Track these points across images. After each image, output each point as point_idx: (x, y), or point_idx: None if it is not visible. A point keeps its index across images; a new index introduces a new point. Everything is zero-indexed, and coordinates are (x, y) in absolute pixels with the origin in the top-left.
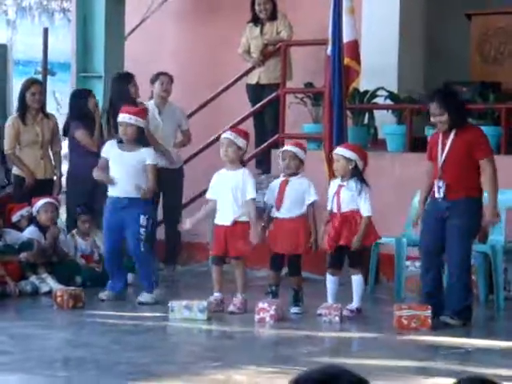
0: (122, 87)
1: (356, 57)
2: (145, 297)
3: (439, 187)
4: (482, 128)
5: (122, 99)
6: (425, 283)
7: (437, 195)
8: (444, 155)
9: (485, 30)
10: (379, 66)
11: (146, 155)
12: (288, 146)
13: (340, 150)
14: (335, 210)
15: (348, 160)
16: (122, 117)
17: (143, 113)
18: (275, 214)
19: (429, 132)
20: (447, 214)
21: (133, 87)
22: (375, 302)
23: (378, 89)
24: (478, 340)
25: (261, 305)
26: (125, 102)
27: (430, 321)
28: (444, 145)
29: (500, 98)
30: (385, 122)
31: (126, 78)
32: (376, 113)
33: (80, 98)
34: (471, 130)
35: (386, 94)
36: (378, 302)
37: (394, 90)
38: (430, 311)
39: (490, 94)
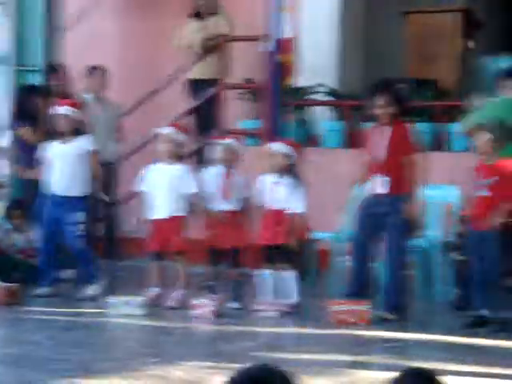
0: (49, 81)
1: (293, 53)
2: (85, 291)
3: (378, 182)
4: (419, 125)
5: (51, 93)
6: (357, 278)
7: (375, 190)
8: (383, 150)
9: (420, 28)
10: (318, 63)
11: (85, 142)
12: (225, 140)
13: (276, 146)
14: (270, 207)
15: (284, 156)
16: (56, 109)
17: (76, 104)
18: (217, 206)
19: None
20: (384, 210)
21: (56, 82)
22: (313, 297)
23: (316, 85)
24: (414, 334)
25: (200, 300)
26: (53, 97)
27: (366, 315)
28: (383, 140)
29: (436, 96)
30: (323, 118)
31: (50, 72)
32: (314, 109)
33: (25, 93)
34: (405, 126)
35: (324, 90)
36: (316, 297)
37: (334, 86)
38: (366, 306)
39: (426, 92)
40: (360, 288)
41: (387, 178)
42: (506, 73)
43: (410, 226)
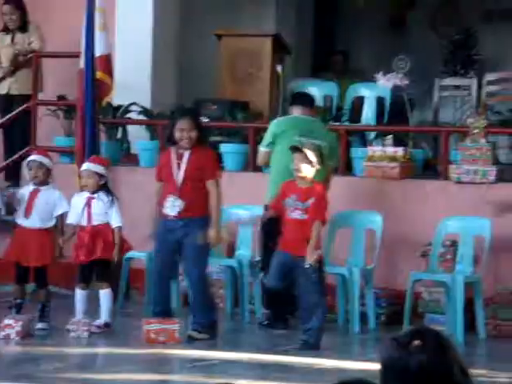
0: None
1: (108, 71)
2: None
3: (175, 206)
4: (231, 146)
5: None
6: (158, 302)
7: (172, 214)
8: (181, 173)
9: (233, 51)
10: (133, 82)
11: None
12: (33, 156)
13: (89, 166)
14: (85, 224)
15: (97, 174)
16: None
17: None
18: (22, 223)
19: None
20: (182, 233)
21: None
22: (125, 316)
23: (131, 104)
24: (223, 352)
25: (6, 321)
26: None
27: (177, 334)
28: (180, 163)
29: (248, 117)
30: (138, 137)
31: None
32: (129, 128)
33: None
34: (205, 150)
35: (139, 109)
36: (128, 316)
37: (147, 105)
38: (177, 325)
39: (238, 113)
40: (165, 307)
41: (184, 202)
42: (291, 99)
43: (208, 247)
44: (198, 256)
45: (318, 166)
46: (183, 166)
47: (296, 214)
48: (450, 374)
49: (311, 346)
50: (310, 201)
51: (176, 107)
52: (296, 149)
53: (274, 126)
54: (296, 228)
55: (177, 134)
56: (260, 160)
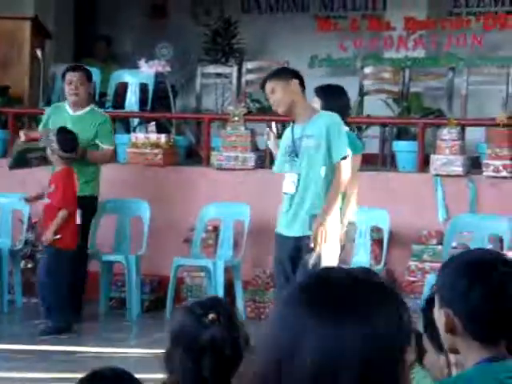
0: None
1: None
2: None
3: None
4: None
5: None
6: None
7: None
8: None
9: None
10: None
11: None
12: None
13: None
14: None
15: None
16: None
17: None
18: None
19: None
20: None
21: None
22: None
23: None
24: None
25: None
26: None
27: None
28: None
29: (8, 102)
30: None
31: None
32: None
33: None
34: None
35: None
36: None
37: None
38: None
39: None
40: None
41: None
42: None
43: None
44: None
45: (56, 153)
46: None
47: (46, 200)
48: (238, 345)
49: (53, 330)
50: (52, 187)
51: None
52: None
53: (47, 115)
54: (45, 214)
55: None
56: None
